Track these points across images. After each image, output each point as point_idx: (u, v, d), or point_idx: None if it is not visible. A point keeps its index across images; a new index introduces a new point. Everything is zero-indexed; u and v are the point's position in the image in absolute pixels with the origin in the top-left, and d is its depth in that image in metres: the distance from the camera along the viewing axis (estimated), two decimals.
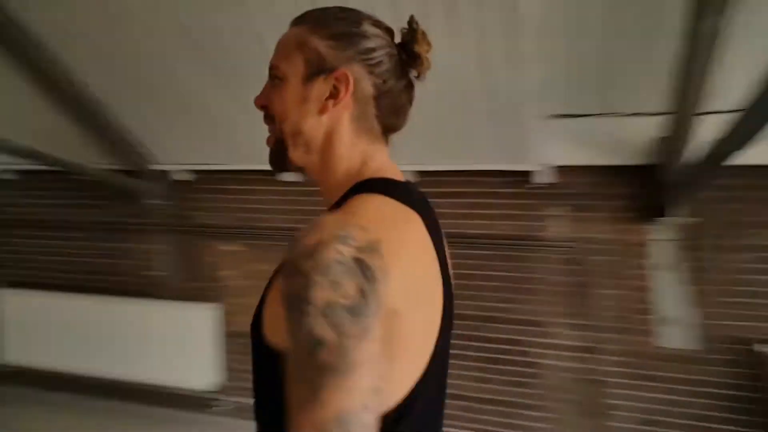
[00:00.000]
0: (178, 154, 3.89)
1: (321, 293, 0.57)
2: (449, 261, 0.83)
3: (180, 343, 3.87)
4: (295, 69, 0.78)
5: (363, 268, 0.59)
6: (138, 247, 4.20)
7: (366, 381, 0.55)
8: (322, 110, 0.77)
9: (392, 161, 0.83)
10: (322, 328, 0.56)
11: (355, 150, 0.78)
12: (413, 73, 0.81)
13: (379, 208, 0.69)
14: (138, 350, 3.95)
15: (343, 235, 0.60)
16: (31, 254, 4.50)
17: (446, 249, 0.83)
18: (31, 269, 4.48)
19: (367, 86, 0.77)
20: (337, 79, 0.76)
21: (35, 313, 4.28)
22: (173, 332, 3.89)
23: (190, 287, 4.05)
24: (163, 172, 4.05)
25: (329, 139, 0.78)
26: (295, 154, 0.80)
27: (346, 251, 0.59)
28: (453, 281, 0.83)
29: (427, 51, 0.79)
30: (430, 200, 0.83)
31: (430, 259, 0.72)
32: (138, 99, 3.38)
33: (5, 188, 4.56)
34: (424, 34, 0.79)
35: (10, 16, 2.85)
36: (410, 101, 0.82)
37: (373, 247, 0.61)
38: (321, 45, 0.77)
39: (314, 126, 0.77)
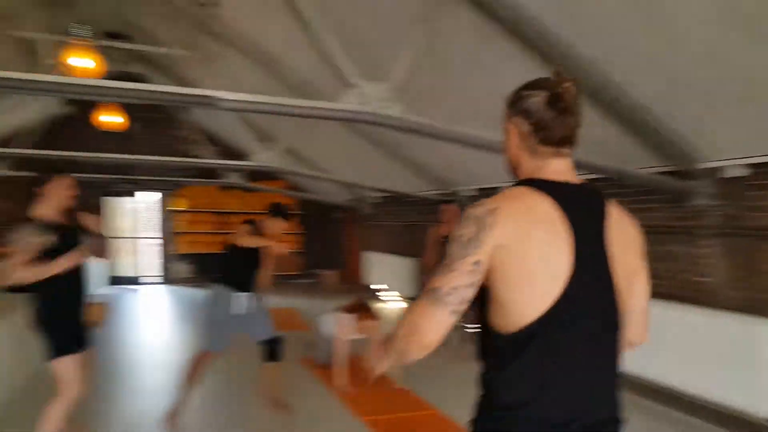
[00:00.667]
0: (731, 147, 3.45)
1: (458, 230, 1.16)
2: (619, 237, 1.21)
3: (735, 360, 3.39)
4: (503, 126, 1.32)
5: (481, 221, 1.13)
6: (683, 251, 3.96)
7: (455, 280, 1.12)
8: (509, 147, 1.30)
9: (562, 168, 1.23)
10: (451, 247, 1.16)
11: (529, 165, 1.25)
12: (561, 105, 1.20)
13: (511, 191, 1.21)
14: (680, 357, 3.72)
15: (483, 203, 1.17)
16: None
17: (613, 228, 1.21)
18: None
19: (525, 127, 1.23)
20: (509, 128, 1.29)
21: None
22: (724, 345, 3.44)
23: (744, 298, 3.50)
24: (712, 170, 3.67)
25: (517, 162, 1.29)
26: (515, 174, 1.31)
27: (478, 211, 1.15)
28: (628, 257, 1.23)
29: (566, 88, 1.19)
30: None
31: (550, 222, 1.13)
32: (686, 97, 3.20)
33: None
34: (559, 74, 1.21)
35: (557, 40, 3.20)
36: (565, 122, 1.21)
37: (491, 211, 1.14)
38: (506, 110, 1.29)
39: (511, 156, 1.30)
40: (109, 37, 7.46)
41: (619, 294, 1.17)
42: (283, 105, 2.92)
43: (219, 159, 9.13)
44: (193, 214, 10.84)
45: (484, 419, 1.20)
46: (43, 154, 6.77)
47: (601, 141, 3.98)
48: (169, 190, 11.13)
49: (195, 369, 3.67)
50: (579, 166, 3.72)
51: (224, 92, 2.79)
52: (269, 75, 6.36)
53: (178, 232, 10.83)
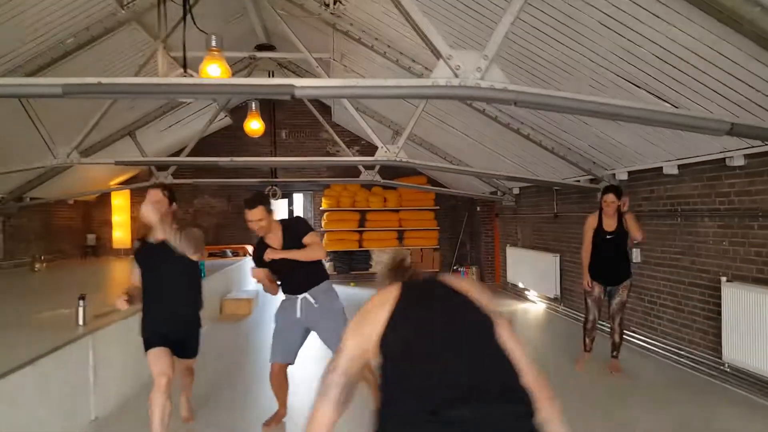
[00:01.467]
0: None
1: None
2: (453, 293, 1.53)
3: None
4: None
5: None
6: None
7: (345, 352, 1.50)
8: None
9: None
10: None
11: None
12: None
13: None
14: None
15: None
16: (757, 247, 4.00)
17: (449, 292, 1.53)
18: (757, 263, 3.99)
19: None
20: None
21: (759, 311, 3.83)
22: None
23: None
24: None
25: None
26: None
27: None
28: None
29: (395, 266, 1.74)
30: None
31: (388, 291, 1.54)
32: None
33: (734, 177, 4.23)
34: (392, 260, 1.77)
35: None
36: (406, 274, 1.69)
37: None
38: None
39: None
40: (257, 48, 7.95)
41: (464, 310, 1.47)
42: (359, 87, 2.65)
43: (356, 157, 9.27)
44: (337, 213, 11.19)
45: None
46: (198, 161, 7.46)
47: None
48: (315, 190, 11.68)
49: (272, 383, 3.57)
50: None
51: (299, 80, 2.66)
52: (393, 64, 6.20)
53: (324, 231, 11.27)
